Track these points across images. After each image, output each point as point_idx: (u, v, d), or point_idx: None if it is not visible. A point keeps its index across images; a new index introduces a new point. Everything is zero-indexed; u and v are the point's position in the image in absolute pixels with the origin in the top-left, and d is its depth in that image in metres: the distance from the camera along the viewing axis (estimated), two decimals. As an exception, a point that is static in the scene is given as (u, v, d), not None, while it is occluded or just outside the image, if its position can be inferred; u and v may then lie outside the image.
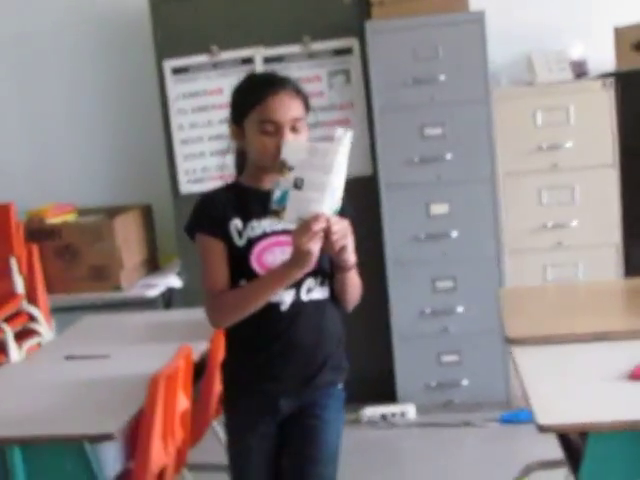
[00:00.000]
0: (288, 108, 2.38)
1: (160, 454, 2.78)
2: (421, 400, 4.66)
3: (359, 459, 4.15)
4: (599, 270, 4.46)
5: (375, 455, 4.31)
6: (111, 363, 3.20)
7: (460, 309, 4.58)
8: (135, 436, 2.72)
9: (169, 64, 4.77)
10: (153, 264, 5.10)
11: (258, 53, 4.74)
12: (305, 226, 2.23)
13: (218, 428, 3.77)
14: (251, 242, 2.41)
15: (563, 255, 4.51)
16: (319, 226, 2.22)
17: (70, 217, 4.95)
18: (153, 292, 4.74)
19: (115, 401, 2.78)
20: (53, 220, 4.81)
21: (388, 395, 4.72)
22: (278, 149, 2.30)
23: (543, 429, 2.21)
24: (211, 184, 4.72)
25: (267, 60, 4.73)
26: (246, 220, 2.41)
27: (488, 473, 3.97)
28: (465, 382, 4.64)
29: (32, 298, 4.58)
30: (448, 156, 4.46)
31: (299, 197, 2.23)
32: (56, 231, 4.73)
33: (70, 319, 4.18)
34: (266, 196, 2.31)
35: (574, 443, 2.61)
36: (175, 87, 4.79)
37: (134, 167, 5.26)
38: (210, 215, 2.43)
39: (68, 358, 3.33)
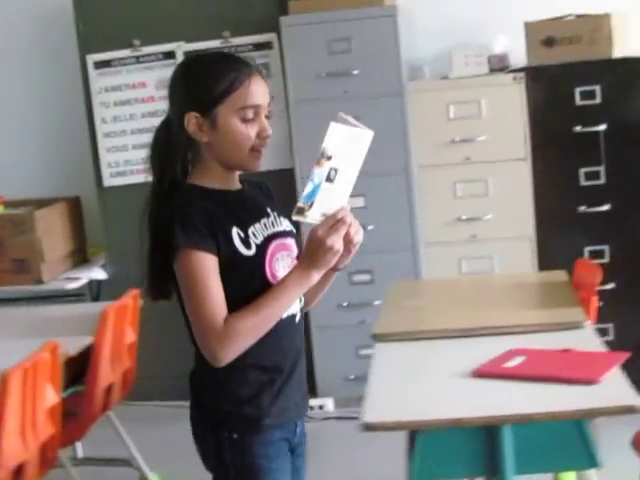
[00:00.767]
0: (265, 91, 2.09)
1: (17, 451, 2.83)
2: (340, 393, 4.70)
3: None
4: (514, 263, 4.49)
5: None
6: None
7: (377, 302, 4.61)
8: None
9: (92, 58, 4.82)
10: (81, 256, 5.13)
11: (180, 48, 4.79)
12: (336, 221, 1.96)
13: (114, 419, 3.84)
14: (260, 249, 2.08)
15: (478, 248, 4.55)
16: (348, 220, 1.98)
17: (-3, 209, 5.00)
18: (73, 285, 4.78)
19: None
20: (-23, 212, 4.86)
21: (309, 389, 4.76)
22: (260, 137, 2.06)
23: (368, 427, 2.24)
24: (133, 177, 4.81)
25: (188, 54, 4.76)
26: (244, 226, 2.08)
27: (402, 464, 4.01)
28: (383, 374, 4.68)
29: (-50, 290, 4.65)
30: (363, 149, 4.48)
31: (329, 191, 1.96)
32: (-22, 223, 4.78)
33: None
34: (242, 197, 2.11)
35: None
36: (98, 81, 4.84)
37: (62, 160, 5.31)
38: (204, 226, 2.01)
39: None
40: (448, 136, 4.48)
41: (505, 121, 4.44)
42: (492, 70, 4.64)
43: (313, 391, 4.75)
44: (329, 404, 4.68)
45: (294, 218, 1.99)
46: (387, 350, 2.78)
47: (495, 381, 2.43)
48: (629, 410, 2.35)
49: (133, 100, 4.84)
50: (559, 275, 3.49)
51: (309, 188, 1.95)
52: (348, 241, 2.01)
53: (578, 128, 4.38)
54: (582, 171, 4.41)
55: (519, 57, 4.67)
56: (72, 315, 3.97)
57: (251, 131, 2.05)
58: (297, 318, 2.16)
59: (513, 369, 2.57)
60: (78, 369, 3.47)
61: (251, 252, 2.06)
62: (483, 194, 4.51)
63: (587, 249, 4.45)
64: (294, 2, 4.57)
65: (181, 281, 2.03)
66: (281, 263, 2.10)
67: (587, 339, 2.86)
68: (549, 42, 4.36)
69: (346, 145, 1.96)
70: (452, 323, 2.92)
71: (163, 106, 4.94)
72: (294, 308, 2.13)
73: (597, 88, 4.34)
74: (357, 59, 4.47)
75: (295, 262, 2.13)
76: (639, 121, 4.38)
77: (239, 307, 2.02)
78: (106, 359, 3.51)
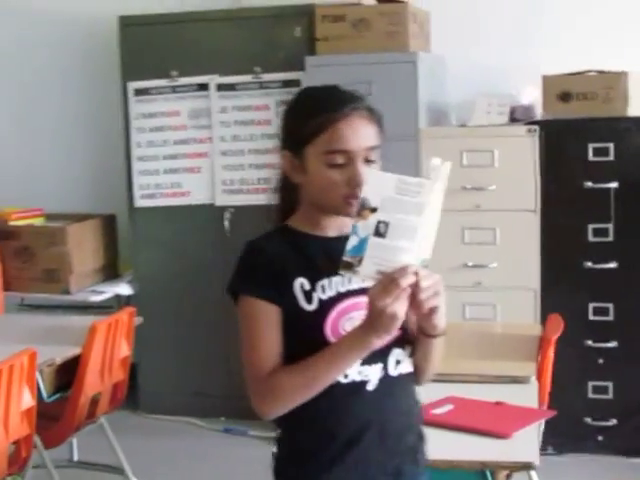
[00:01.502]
0: (362, 135, 1.90)
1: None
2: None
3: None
4: (516, 313, 4.51)
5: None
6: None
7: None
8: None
9: (132, 85, 5.08)
10: (112, 271, 5.39)
11: (213, 80, 5.00)
12: (389, 281, 1.72)
13: (107, 428, 4.04)
14: (324, 306, 1.89)
15: (482, 295, 4.59)
16: (407, 281, 1.72)
17: (37, 220, 5.30)
18: (98, 298, 5.03)
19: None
20: (17, 222, 5.16)
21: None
22: (350, 185, 1.86)
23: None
24: (162, 200, 5.03)
25: (221, 87, 4.98)
26: (314, 278, 1.89)
27: None
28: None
29: (-14, 293, 4.94)
30: (376, 190, 4.58)
31: (381, 246, 1.75)
32: (16, 233, 5.09)
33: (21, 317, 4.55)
34: (334, 246, 1.85)
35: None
36: (136, 107, 5.09)
37: (102, 179, 5.61)
38: (265, 272, 1.89)
39: None
40: (460, 182, 4.54)
41: (517, 172, 4.47)
42: (515, 120, 4.69)
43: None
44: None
45: (341, 272, 1.79)
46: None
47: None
48: (526, 467, 2.43)
49: (166, 127, 5.07)
50: (532, 328, 3.54)
51: (354, 242, 1.76)
52: (419, 305, 1.77)
53: (589, 184, 4.39)
54: (591, 227, 4.41)
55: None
56: (80, 326, 4.18)
57: (340, 177, 1.86)
58: (369, 386, 1.91)
59: (437, 416, 2.67)
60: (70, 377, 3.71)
61: (311, 307, 1.89)
62: (491, 242, 4.56)
63: (591, 305, 4.45)
64: (322, 43, 4.72)
65: (239, 323, 1.95)
66: (356, 323, 1.84)
67: (527, 394, 2.94)
68: (565, 97, 4.39)
69: (398, 195, 1.77)
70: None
71: (194, 135, 5.24)
72: (364, 375, 1.91)
73: (610, 145, 4.34)
74: (377, 101, 4.47)
75: None
76: (651, 181, 4.38)
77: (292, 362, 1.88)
78: (93, 370, 3.71)
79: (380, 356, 1.90)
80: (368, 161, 1.90)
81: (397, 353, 1.94)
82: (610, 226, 4.40)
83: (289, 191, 1.99)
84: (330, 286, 1.89)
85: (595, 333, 4.46)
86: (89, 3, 5.46)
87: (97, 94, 5.53)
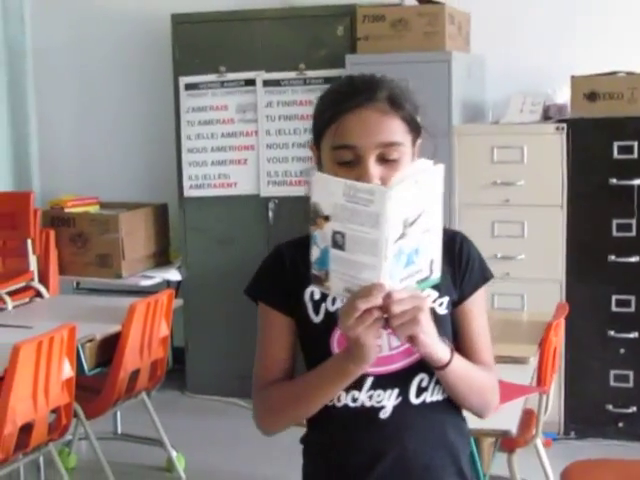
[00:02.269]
0: (374, 129, 1.68)
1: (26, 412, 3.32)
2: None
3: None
4: (542, 303, 4.66)
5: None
6: (26, 332, 3.78)
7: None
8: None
9: (183, 80, 5.36)
10: (164, 258, 5.69)
11: (259, 76, 5.25)
12: (351, 303, 1.53)
13: (147, 400, 4.33)
14: (331, 318, 1.74)
15: (510, 285, 4.76)
16: (366, 304, 1.51)
17: (92, 208, 5.61)
18: (148, 282, 5.33)
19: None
20: (72, 210, 5.49)
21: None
22: None
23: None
24: (209, 191, 5.30)
25: (266, 83, 5.23)
26: None
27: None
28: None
29: (44, 277, 5.27)
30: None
31: (342, 260, 1.55)
32: (71, 220, 5.42)
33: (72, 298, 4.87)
34: None
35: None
36: (187, 101, 5.37)
37: (155, 169, 5.90)
38: (276, 280, 1.80)
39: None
40: (490, 178, 4.72)
41: (545, 168, 4.63)
42: (548, 118, 4.85)
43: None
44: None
45: (314, 287, 1.68)
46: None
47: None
48: (504, 434, 2.63)
49: (215, 121, 5.33)
50: (542, 315, 3.73)
51: (316, 253, 1.58)
52: (396, 331, 1.57)
53: (614, 181, 4.53)
54: (615, 222, 4.56)
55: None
56: (123, 306, 4.47)
57: (347, 176, 1.60)
58: (383, 414, 1.74)
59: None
60: (112, 353, 4.00)
61: (318, 319, 1.77)
62: (519, 235, 4.73)
63: (614, 297, 4.60)
64: (362, 42, 4.94)
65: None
66: None
67: (523, 373, 3.13)
68: (592, 96, 4.54)
69: (348, 203, 1.52)
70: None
71: (241, 128, 5.49)
72: (376, 400, 1.74)
73: (635, 144, 4.48)
74: (411, 99, 4.77)
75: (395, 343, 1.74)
76: (674, 178, 4.50)
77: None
78: (132, 347, 3.98)
79: (397, 381, 1.74)
80: (385, 160, 1.67)
81: (420, 379, 1.75)
82: (633, 221, 4.53)
83: None
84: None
85: (617, 324, 4.61)
86: (145, 2, 5.78)
87: (151, 88, 5.83)
